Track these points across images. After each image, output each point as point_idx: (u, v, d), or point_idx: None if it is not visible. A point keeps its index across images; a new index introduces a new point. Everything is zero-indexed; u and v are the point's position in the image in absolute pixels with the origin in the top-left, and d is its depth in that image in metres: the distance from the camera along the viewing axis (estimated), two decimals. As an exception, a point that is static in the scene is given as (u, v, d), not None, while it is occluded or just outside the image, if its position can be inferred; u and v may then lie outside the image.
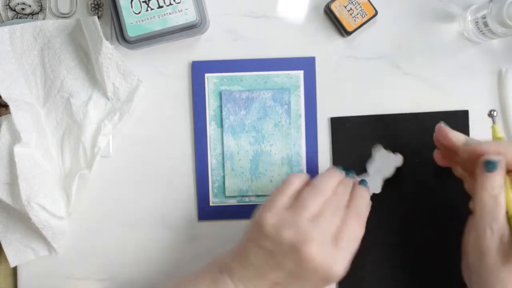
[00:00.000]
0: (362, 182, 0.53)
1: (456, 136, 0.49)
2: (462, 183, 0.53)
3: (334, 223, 0.47)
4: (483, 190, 0.46)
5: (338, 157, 0.58)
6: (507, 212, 0.45)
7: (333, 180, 0.50)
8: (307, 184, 0.50)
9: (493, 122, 0.51)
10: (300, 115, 0.58)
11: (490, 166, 0.46)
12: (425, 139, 0.57)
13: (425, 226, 0.58)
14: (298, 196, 0.48)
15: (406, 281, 0.58)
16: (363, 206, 0.50)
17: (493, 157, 0.46)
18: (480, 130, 0.58)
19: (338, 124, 0.58)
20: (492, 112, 0.51)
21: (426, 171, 0.57)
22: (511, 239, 0.44)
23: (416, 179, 0.58)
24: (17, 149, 0.52)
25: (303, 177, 0.51)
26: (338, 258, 0.46)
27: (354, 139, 0.58)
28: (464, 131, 0.58)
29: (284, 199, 0.48)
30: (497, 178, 0.45)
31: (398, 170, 0.57)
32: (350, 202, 0.50)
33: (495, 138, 0.50)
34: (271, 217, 0.47)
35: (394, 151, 0.57)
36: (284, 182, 0.50)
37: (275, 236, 0.46)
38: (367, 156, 0.58)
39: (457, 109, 0.58)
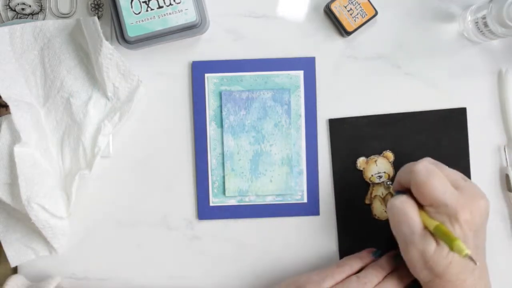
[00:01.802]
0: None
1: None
2: None
3: None
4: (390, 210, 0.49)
5: (337, 157, 0.58)
6: (426, 229, 0.47)
7: (379, 279, 0.53)
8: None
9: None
10: (300, 115, 0.58)
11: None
12: (424, 138, 0.58)
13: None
14: (345, 283, 0.52)
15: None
16: None
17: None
18: (479, 130, 0.58)
19: (337, 124, 0.58)
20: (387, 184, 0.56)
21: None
22: (431, 254, 0.46)
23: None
24: (17, 149, 0.52)
25: (365, 263, 0.55)
26: None
27: (354, 139, 0.58)
28: (463, 129, 0.58)
29: (331, 282, 0.52)
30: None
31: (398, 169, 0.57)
32: None
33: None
34: None
35: (393, 150, 0.57)
36: (339, 265, 0.54)
37: None
38: (367, 156, 0.58)
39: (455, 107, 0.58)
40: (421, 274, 0.48)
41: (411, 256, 0.48)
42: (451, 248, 0.44)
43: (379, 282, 0.53)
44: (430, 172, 0.47)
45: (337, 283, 0.52)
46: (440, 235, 0.45)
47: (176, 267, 0.59)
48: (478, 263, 0.43)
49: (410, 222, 0.47)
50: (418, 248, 0.47)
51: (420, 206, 0.48)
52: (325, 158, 0.59)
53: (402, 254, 0.50)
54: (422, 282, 0.50)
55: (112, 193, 0.58)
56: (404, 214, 0.47)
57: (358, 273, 0.54)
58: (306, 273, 0.55)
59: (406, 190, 0.50)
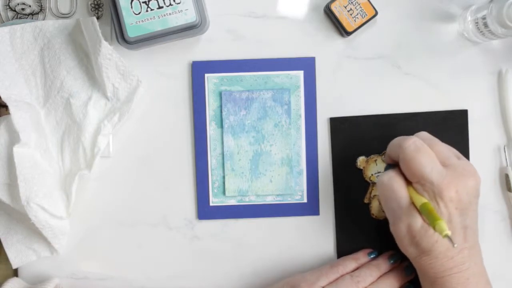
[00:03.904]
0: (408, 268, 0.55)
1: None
2: None
3: None
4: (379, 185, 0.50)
5: (337, 156, 0.58)
6: (413, 204, 0.47)
7: (373, 278, 0.54)
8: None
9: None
10: (300, 115, 0.58)
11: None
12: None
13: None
14: (338, 282, 0.53)
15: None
16: None
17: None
18: (479, 130, 0.58)
19: (337, 124, 0.58)
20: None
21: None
22: (418, 229, 0.47)
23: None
24: (16, 149, 0.52)
25: (360, 263, 0.56)
26: None
27: (354, 139, 0.58)
28: (463, 131, 0.58)
29: (325, 281, 0.53)
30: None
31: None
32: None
33: None
34: None
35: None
36: (333, 265, 0.55)
37: None
38: (367, 155, 0.58)
39: (457, 109, 0.58)
40: (408, 250, 0.49)
41: (399, 231, 0.48)
42: (433, 227, 0.44)
43: (373, 282, 0.53)
44: (418, 149, 0.47)
45: (331, 282, 0.53)
46: (425, 214, 0.45)
47: (176, 267, 0.59)
48: (456, 245, 0.43)
49: (397, 198, 0.48)
50: (405, 223, 0.47)
51: (409, 182, 0.48)
52: (325, 158, 0.59)
53: (392, 229, 0.50)
54: (410, 258, 0.50)
55: (112, 193, 0.59)
56: (392, 190, 0.48)
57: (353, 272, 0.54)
58: (300, 273, 0.55)
59: (396, 164, 0.51)
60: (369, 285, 0.53)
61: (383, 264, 0.55)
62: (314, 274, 0.54)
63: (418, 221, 0.46)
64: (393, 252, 0.56)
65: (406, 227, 0.47)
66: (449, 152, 0.49)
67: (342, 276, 0.53)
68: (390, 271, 0.55)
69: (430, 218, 0.44)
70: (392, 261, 0.55)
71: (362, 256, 0.56)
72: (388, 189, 0.48)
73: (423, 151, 0.47)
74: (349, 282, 0.52)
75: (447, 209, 0.46)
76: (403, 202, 0.47)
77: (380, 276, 0.54)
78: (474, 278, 0.48)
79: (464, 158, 0.50)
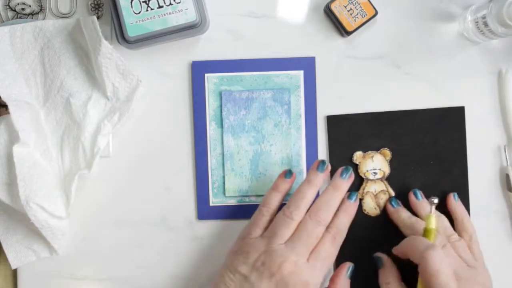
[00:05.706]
0: (351, 195, 0.54)
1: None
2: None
3: (308, 244, 0.50)
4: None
5: (334, 154, 0.58)
6: None
7: (308, 200, 0.52)
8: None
9: (430, 210, 0.52)
10: (300, 115, 0.58)
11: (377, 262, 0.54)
12: (422, 137, 0.58)
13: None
14: (272, 224, 0.51)
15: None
16: (344, 224, 0.53)
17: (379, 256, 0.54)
18: (479, 130, 0.58)
19: (334, 122, 0.58)
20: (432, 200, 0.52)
21: (424, 170, 0.57)
22: None
23: (413, 176, 0.58)
24: (16, 149, 0.52)
25: (283, 192, 0.54)
26: (313, 274, 0.49)
27: (351, 137, 0.58)
28: (460, 128, 0.58)
29: (258, 229, 0.52)
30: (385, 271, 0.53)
31: (395, 168, 0.57)
32: (333, 219, 0.52)
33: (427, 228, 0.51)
34: (245, 246, 0.50)
35: (390, 148, 0.57)
36: (258, 211, 0.53)
37: (250, 263, 0.49)
38: (364, 152, 0.58)
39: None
40: None
41: None
42: None
43: (309, 205, 0.52)
44: (440, 265, 0.46)
45: (267, 228, 0.52)
46: None
47: (176, 267, 0.59)
48: None
49: None
50: None
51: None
52: (325, 158, 0.59)
53: None
54: None
55: (111, 193, 0.58)
56: None
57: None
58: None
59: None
60: (307, 209, 0.51)
61: (315, 178, 0.53)
62: (246, 227, 0.53)
63: None
64: (321, 160, 0.54)
65: None
66: (460, 262, 0.50)
67: (275, 217, 0.52)
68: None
69: None
70: (320, 171, 0.53)
71: (281, 183, 0.54)
72: None
73: (444, 268, 0.46)
74: (283, 220, 0.50)
75: None
76: None
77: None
78: None
79: (477, 263, 0.51)
